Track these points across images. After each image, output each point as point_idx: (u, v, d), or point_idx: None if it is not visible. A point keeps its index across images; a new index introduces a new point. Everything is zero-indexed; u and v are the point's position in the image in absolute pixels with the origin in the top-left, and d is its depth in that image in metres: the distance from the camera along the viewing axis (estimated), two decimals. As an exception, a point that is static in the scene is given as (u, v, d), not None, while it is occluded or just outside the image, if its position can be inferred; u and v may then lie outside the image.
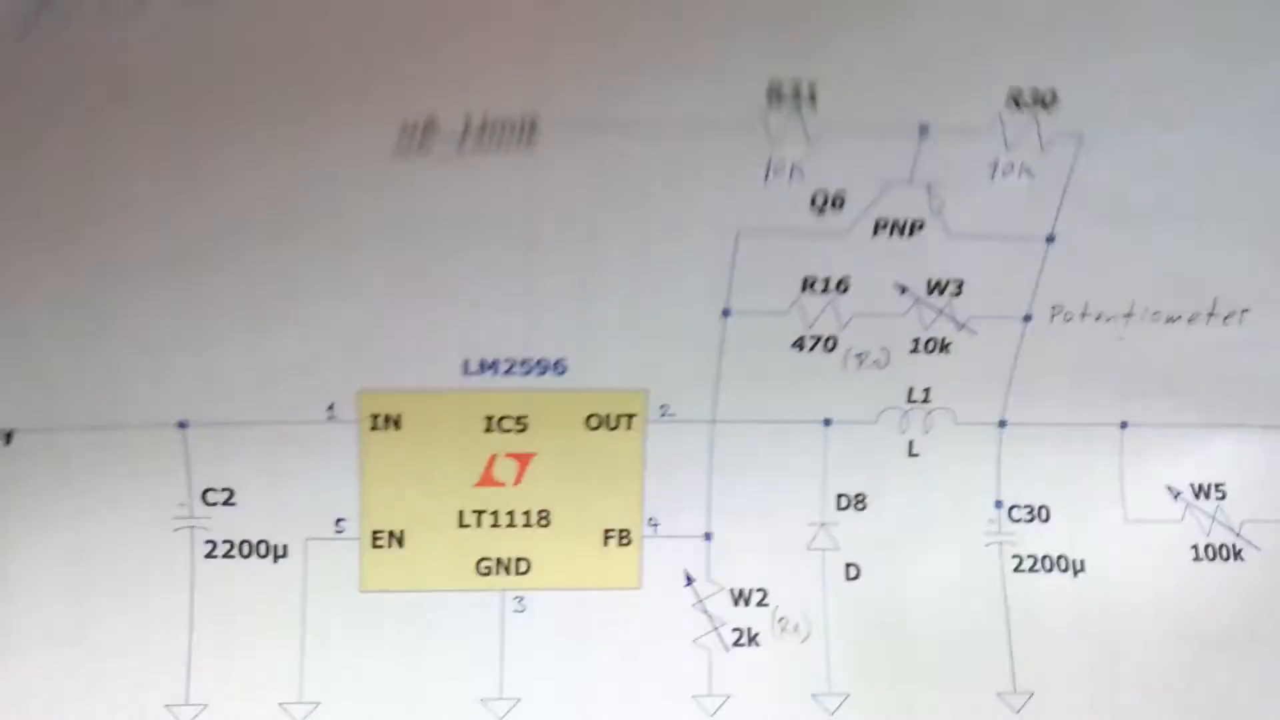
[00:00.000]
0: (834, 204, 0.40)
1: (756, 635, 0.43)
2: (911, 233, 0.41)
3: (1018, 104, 0.40)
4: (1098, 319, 0.43)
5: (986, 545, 0.45)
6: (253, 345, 0.40)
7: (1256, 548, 0.45)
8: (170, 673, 0.40)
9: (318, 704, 0.41)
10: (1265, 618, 0.45)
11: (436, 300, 0.40)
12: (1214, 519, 0.45)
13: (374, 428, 0.41)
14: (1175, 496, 0.46)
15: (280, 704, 0.41)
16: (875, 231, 0.41)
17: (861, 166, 0.40)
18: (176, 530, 0.41)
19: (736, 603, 0.43)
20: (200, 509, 0.41)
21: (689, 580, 0.43)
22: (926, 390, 0.44)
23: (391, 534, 0.42)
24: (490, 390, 0.41)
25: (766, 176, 0.40)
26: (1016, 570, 0.45)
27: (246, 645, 0.41)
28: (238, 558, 0.41)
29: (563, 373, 0.42)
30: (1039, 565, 0.45)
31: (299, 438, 0.41)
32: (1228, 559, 0.45)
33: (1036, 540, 0.45)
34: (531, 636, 0.42)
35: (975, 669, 0.44)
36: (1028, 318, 0.43)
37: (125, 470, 0.40)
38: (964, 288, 0.42)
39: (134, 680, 0.40)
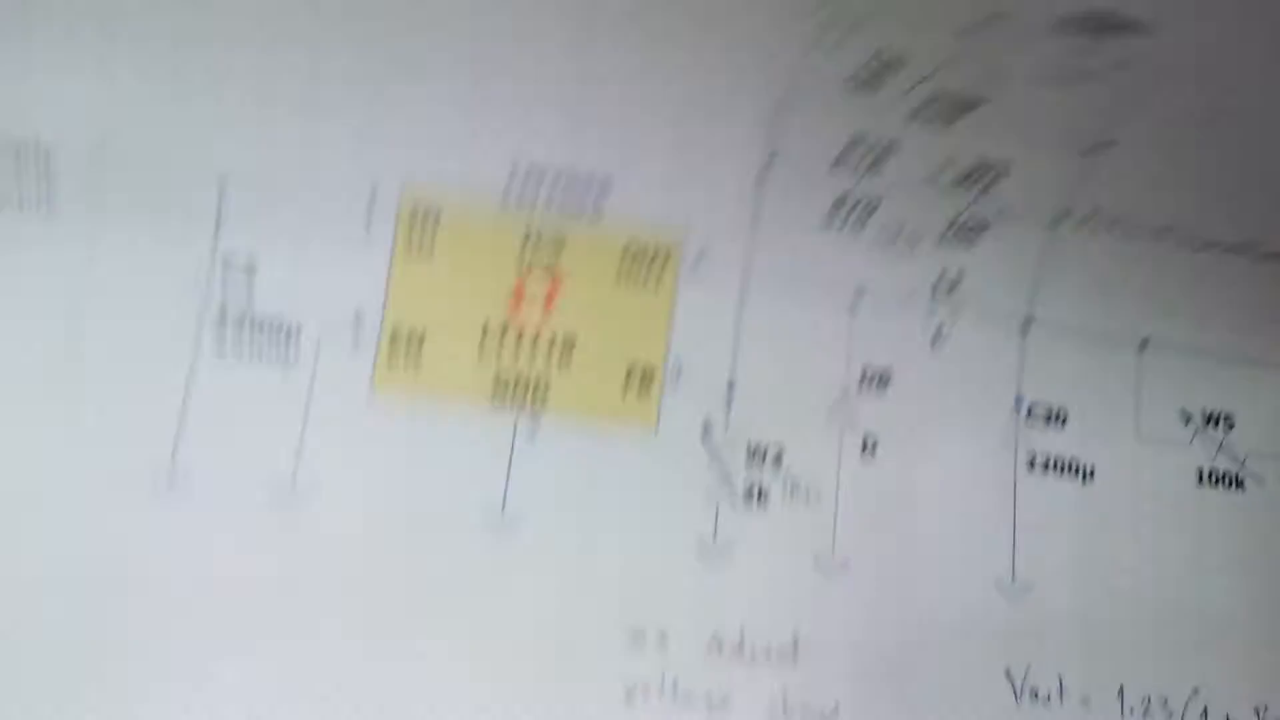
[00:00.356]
0: (891, 67, 0.41)
1: (766, 493, 0.42)
2: (966, 111, 0.42)
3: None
4: (1131, 231, 0.44)
5: (1002, 439, 0.44)
6: (312, 110, 0.39)
7: (1259, 480, 0.46)
8: (158, 438, 0.38)
9: (310, 498, 0.39)
10: (1261, 547, 0.45)
11: (493, 94, 0.40)
12: (1220, 447, 0.46)
13: (413, 223, 0.40)
14: (1186, 420, 0.46)
15: (270, 488, 0.39)
16: (929, 102, 0.41)
17: (924, 30, 0.41)
18: (189, 293, 0.39)
19: (751, 458, 0.42)
20: (218, 275, 0.39)
21: (706, 429, 0.42)
22: (957, 276, 0.44)
23: (411, 336, 0.40)
24: (533, 202, 0.41)
25: (824, 26, 0.40)
26: (1029, 467, 0.44)
27: (244, 423, 0.39)
28: (248, 332, 0.39)
29: (605, 195, 0.41)
30: (1051, 466, 0.45)
31: (336, 218, 0.40)
32: (1230, 487, 0.45)
33: (1051, 441, 0.45)
34: (540, 463, 0.41)
35: (977, 556, 0.43)
36: (1063, 215, 0.43)
37: (155, 216, 0.38)
38: (1008, 171, 0.43)
39: (120, 441, 0.38)
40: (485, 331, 0.41)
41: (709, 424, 0.42)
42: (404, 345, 0.40)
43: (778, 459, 0.43)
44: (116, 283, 0.38)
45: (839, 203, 0.42)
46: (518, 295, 0.41)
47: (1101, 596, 0.43)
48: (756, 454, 0.42)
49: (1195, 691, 0.43)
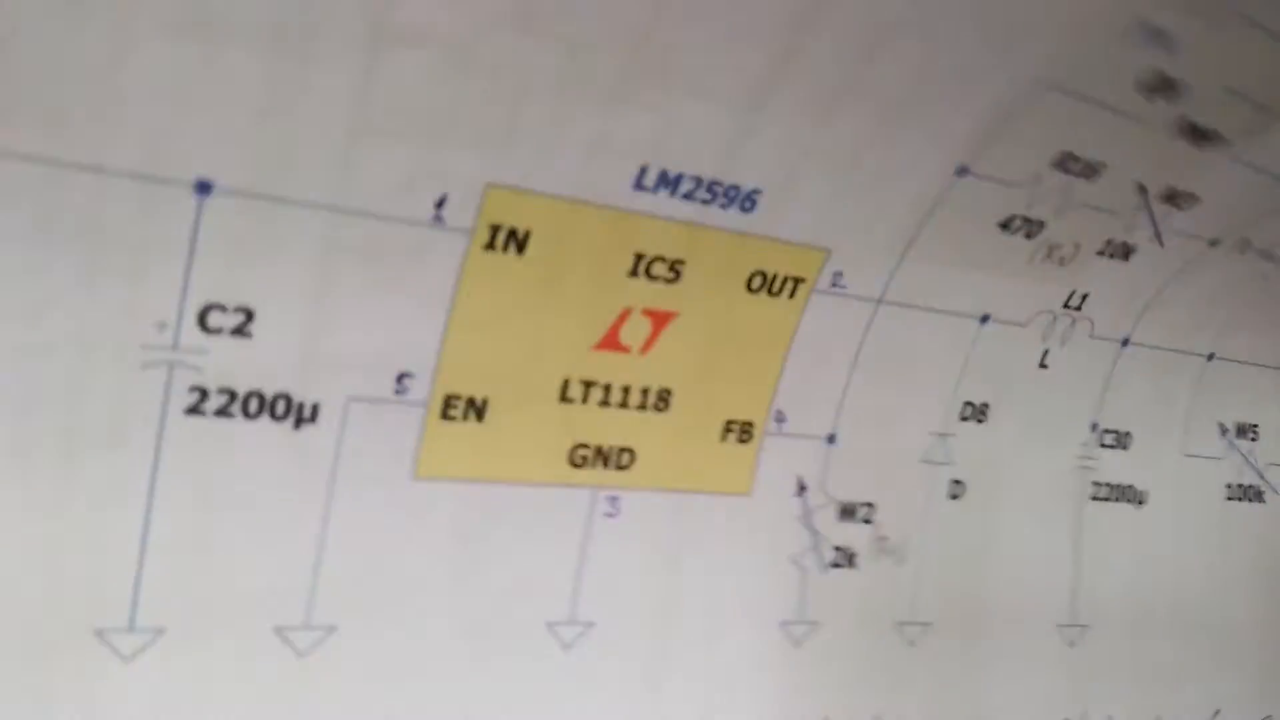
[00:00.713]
0: (1169, 89, 0.31)
1: (855, 556, 0.36)
2: (1204, 140, 0.33)
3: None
4: (1261, 255, 0.39)
5: (1076, 469, 0.40)
6: (348, 77, 0.23)
7: (1277, 491, 0.45)
8: (109, 578, 0.25)
9: (332, 628, 0.28)
10: (1276, 566, 0.46)
11: (631, 72, 0.26)
12: (1246, 459, 0.45)
13: (490, 245, 0.27)
14: (1223, 433, 0.44)
15: (277, 629, 0.27)
16: (1180, 133, 0.32)
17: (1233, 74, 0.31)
18: (145, 367, 0.24)
19: (842, 518, 0.36)
20: (191, 336, 0.25)
21: (801, 489, 0.35)
22: (1084, 296, 0.37)
23: (472, 402, 0.28)
24: (657, 216, 0.29)
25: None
26: (1094, 498, 0.41)
27: (233, 545, 0.26)
28: (238, 417, 0.26)
29: (751, 208, 0.30)
30: (1112, 494, 0.41)
31: (379, 240, 0.26)
32: (1251, 500, 0.45)
33: (1114, 467, 0.41)
34: (618, 552, 0.32)
35: (1042, 600, 0.40)
36: (1214, 243, 0.37)
37: (82, 246, 0.23)
38: (1197, 203, 0.35)
39: (47, 585, 0.24)
40: (564, 392, 0.30)
41: (804, 484, 0.35)
42: (460, 415, 0.28)
43: (869, 517, 0.36)
44: (28, 346, 0.23)
45: (1006, 223, 0.33)
46: (611, 340, 0.30)
47: (1150, 628, 0.42)
48: (848, 513, 0.36)
49: (1217, 714, 0.44)
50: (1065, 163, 0.32)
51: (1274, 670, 0.45)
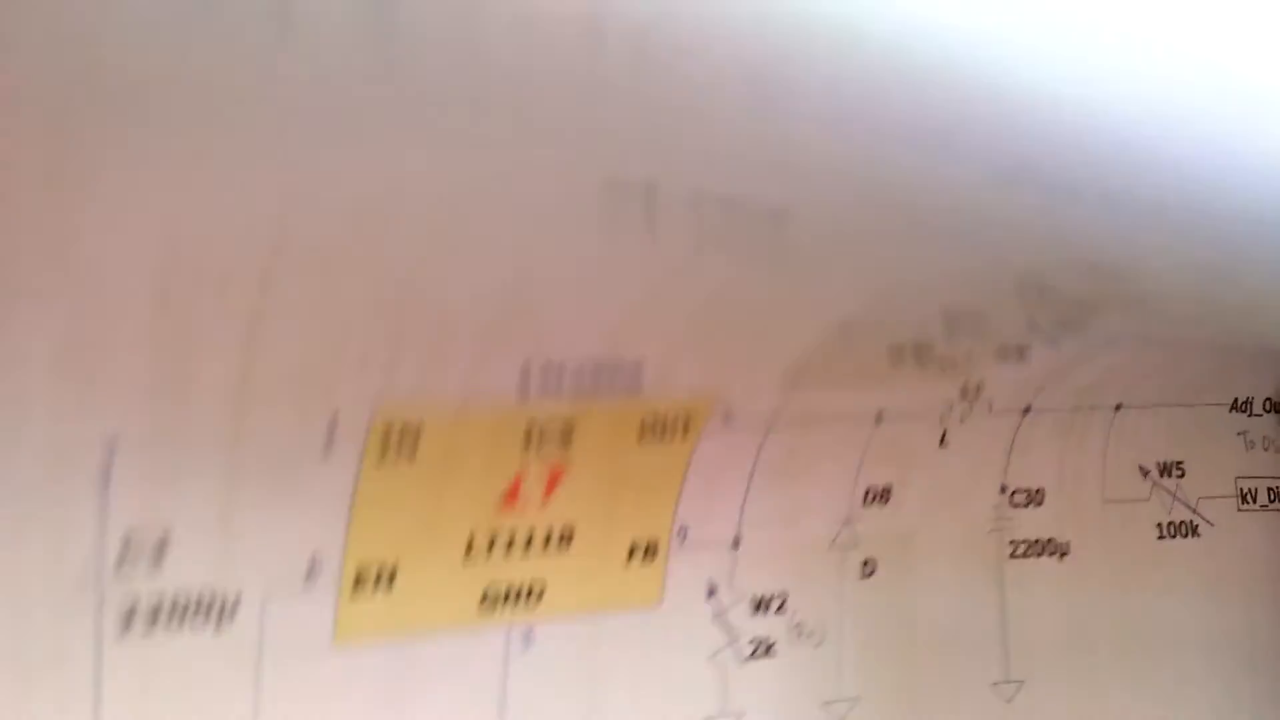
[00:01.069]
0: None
1: (773, 645, 0.39)
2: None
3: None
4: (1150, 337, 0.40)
5: (989, 532, 0.43)
6: (234, 353, 0.26)
7: (1210, 524, 0.47)
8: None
9: (273, 793, 0.32)
10: (1221, 597, 0.47)
11: (503, 318, 0.28)
12: (1175, 497, 0.46)
13: (384, 445, 0.30)
14: (1144, 475, 0.46)
15: (222, 801, 0.31)
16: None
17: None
18: (75, 597, 0.28)
19: (756, 611, 0.38)
20: (113, 565, 0.28)
21: (711, 592, 0.37)
22: (978, 386, 0.39)
23: (380, 573, 0.32)
24: (544, 401, 0.31)
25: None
26: (1013, 556, 0.43)
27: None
28: (165, 628, 0.29)
29: (636, 378, 0.32)
30: (1032, 550, 0.44)
31: (278, 463, 0.29)
32: (1186, 536, 0.46)
33: (1031, 524, 0.43)
34: (538, 676, 0.35)
35: (973, 660, 0.43)
36: (1112, 341, 0.39)
37: (5, 512, 0.26)
38: (1084, 328, 0.37)
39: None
40: (470, 548, 0.33)
41: (714, 586, 0.37)
42: (371, 583, 0.32)
43: (781, 605, 0.39)
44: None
45: (893, 350, 0.36)
46: (511, 495, 0.33)
47: (1092, 675, 0.44)
48: (761, 605, 0.38)
49: None
50: (946, 314, 0.34)
51: (1224, 708, 0.47)
